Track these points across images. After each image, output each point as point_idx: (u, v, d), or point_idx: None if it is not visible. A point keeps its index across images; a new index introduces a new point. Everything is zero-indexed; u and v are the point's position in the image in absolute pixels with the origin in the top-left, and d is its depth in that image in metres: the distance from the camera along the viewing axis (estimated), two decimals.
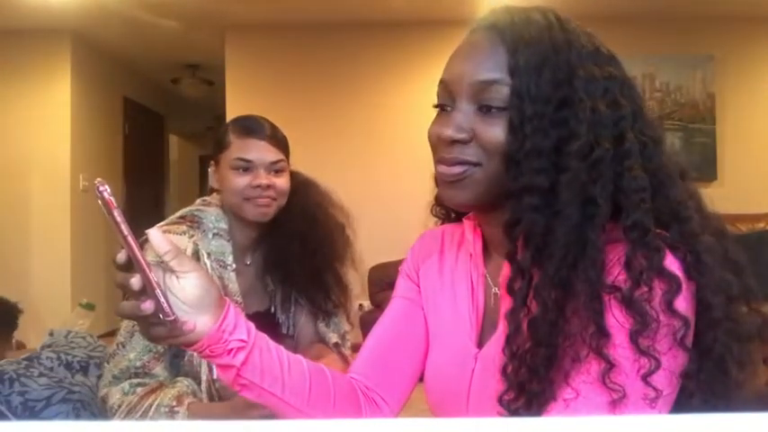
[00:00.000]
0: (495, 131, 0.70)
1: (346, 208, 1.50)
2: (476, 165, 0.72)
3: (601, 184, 0.66)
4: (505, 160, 0.70)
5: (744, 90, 4.84)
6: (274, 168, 1.35)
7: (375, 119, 4.84)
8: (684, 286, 0.64)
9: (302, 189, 1.44)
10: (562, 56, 0.69)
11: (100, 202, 0.65)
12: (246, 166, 1.34)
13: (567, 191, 0.66)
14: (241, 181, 1.33)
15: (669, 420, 0.34)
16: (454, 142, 0.72)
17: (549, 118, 0.68)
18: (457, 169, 0.73)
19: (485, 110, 0.71)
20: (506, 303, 0.71)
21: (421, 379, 0.89)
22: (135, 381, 1.23)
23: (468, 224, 0.85)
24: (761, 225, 4.21)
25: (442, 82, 0.76)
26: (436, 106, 0.77)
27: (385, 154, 4.74)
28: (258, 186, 1.32)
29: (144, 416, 1.17)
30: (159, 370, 1.26)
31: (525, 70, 0.69)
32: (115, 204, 0.65)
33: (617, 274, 0.65)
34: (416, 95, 4.14)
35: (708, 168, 4.70)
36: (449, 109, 0.74)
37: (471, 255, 0.85)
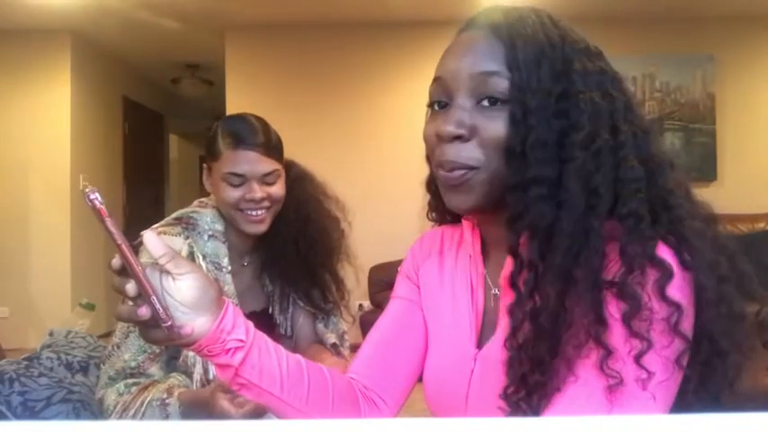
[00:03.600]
0: (497, 126, 0.70)
1: (342, 200, 1.49)
2: (474, 168, 0.71)
3: (602, 173, 0.68)
4: (506, 155, 0.70)
5: (744, 90, 4.85)
6: (267, 180, 1.33)
7: (375, 118, 4.84)
8: (678, 275, 0.65)
9: (298, 184, 1.43)
10: (558, 50, 0.71)
11: (90, 209, 0.62)
12: (239, 182, 1.31)
13: (572, 181, 0.67)
14: (234, 194, 1.31)
15: (669, 420, 0.34)
16: (454, 139, 0.71)
17: (551, 110, 0.69)
18: (457, 173, 0.72)
19: (487, 102, 0.71)
20: (507, 301, 0.71)
21: (420, 379, 0.89)
22: (130, 381, 1.23)
23: (466, 225, 0.86)
24: (761, 225, 4.21)
25: (437, 79, 0.75)
26: (430, 105, 0.76)
27: (385, 154, 4.74)
28: (252, 200, 1.31)
29: (137, 413, 1.17)
30: (154, 370, 1.25)
31: (525, 64, 0.70)
32: (107, 212, 0.63)
33: (616, 270, 0.66)
34: (417, 95, 4.11)
35: (708, 168, 4.71)
36: (444, 106, 0.74)
37: (471, 255, 0.85)
